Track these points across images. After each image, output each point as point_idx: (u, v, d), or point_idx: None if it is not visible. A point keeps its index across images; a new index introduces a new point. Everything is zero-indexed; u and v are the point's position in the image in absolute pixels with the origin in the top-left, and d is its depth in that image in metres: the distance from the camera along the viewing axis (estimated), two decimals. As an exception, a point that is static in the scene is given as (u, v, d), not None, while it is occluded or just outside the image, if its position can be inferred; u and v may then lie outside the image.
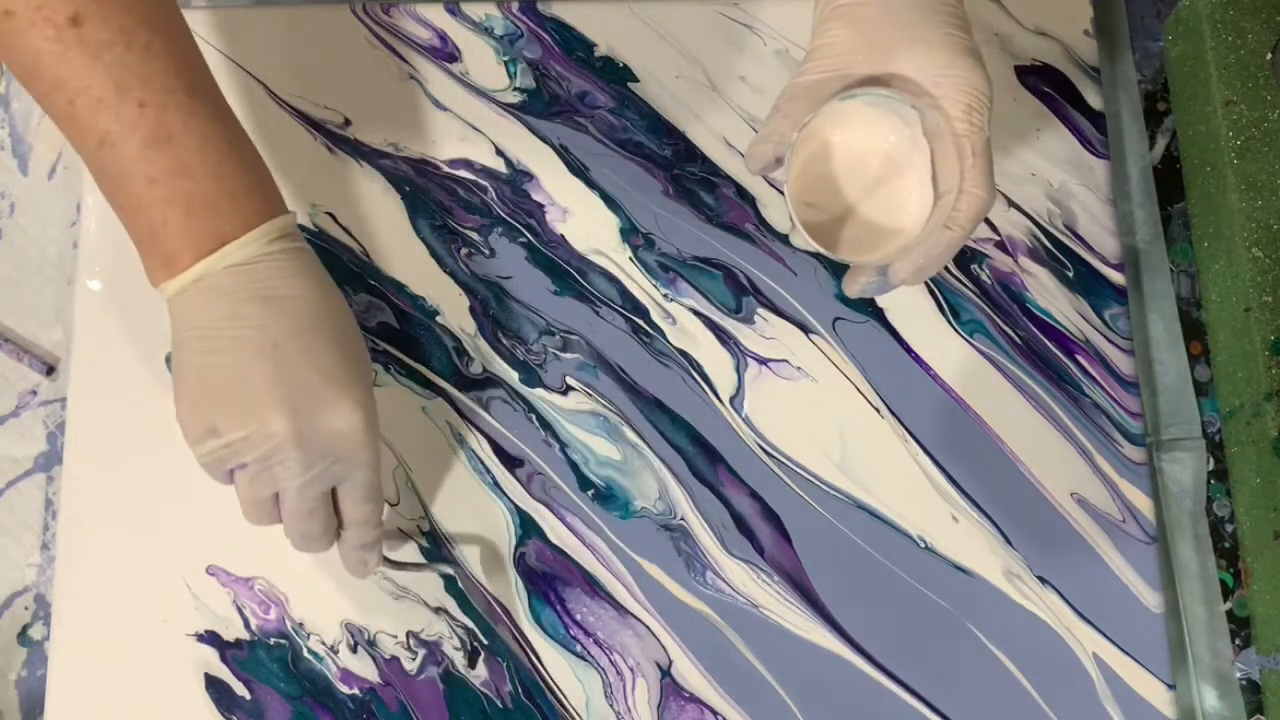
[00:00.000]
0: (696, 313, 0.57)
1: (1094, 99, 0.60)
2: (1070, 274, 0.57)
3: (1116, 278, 0.57)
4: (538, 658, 0.53)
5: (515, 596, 0.53)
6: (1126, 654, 0.53)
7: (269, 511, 0.47)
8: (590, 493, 0.54)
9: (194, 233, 0.44)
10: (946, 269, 0.57)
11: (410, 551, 0.54)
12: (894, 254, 0.48)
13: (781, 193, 0.58)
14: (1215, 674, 0.54)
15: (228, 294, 0.44)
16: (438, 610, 0.53)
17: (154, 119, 0.44)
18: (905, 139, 0.48)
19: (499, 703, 0.52)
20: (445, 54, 0.60)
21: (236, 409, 0.44)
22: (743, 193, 0.58)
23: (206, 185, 0.44)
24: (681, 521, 0.54)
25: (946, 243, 0.46)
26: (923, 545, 0.54)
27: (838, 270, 0.57)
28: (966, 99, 0.45)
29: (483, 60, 0.60)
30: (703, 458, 0.55)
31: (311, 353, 0.45)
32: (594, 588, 0.53)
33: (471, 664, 0.53)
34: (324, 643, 0.53)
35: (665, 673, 0.52)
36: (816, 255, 0.57)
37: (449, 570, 0.53)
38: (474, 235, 0.58)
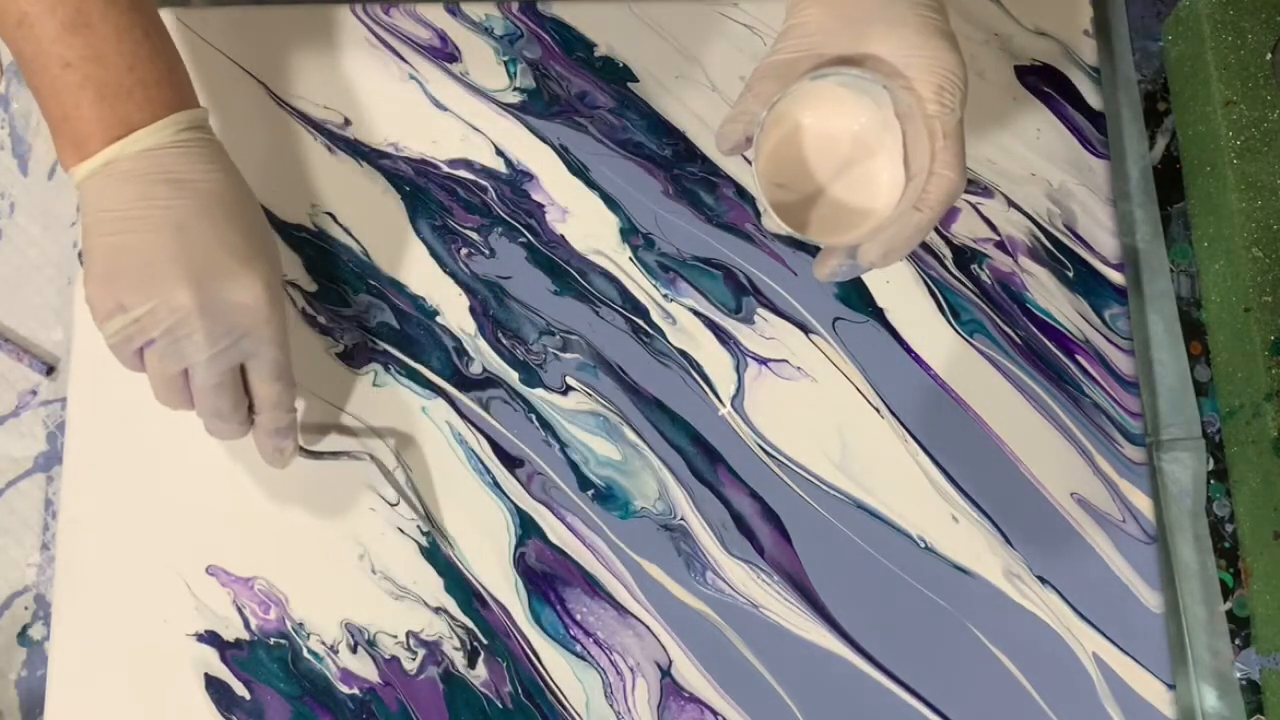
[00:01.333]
0: (696, 313, 0.57)
1: (1094, 99, 0.60)
2: (1070, 274, 0.57)
3: (1116, 278, 0.57)
4: (538, 658, 0.53)
5: (515, 596, 0.53)
6: (1126, 654, 0.53)
7: (179, 389, 0.48)
8: (590, 493, 0.54)
9: (104, 118, 0.45)
10: (947, 269, 0.57)
11: (331, 441, 0.55)
12: (864, 236, 0.47)
13: None
14: (1215, 674, 0.54)
15: (137, 177, 0.46)
16: (438, 610, 0.53)
17: (73, 5, 0.45)
18: (877, 120, 0.48)
19: (499, 703, 0.52)
20: (445, 54, 0.60)
21: (143, 284, 0.46)
22: (743, 193, 0.58)
23: (120, 74, 0.46)
24: (681, 521, 0.54)
25: (916, 225, 0.46)
26: (923, 545, 0.54)
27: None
28: (938, 80, 0.45)
29: (483, 60, 0.60)
30: (702, 458, 0.55)
31: (217, 231, 0.47)
32: (594, 588, 0.53)
33: (471, 664, 0.53)
34: (324, 643, 0.53)
35: (665, 673, 0.52)
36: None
37: (366, 457, 0.54)
38: (474, 235, 0.57)
